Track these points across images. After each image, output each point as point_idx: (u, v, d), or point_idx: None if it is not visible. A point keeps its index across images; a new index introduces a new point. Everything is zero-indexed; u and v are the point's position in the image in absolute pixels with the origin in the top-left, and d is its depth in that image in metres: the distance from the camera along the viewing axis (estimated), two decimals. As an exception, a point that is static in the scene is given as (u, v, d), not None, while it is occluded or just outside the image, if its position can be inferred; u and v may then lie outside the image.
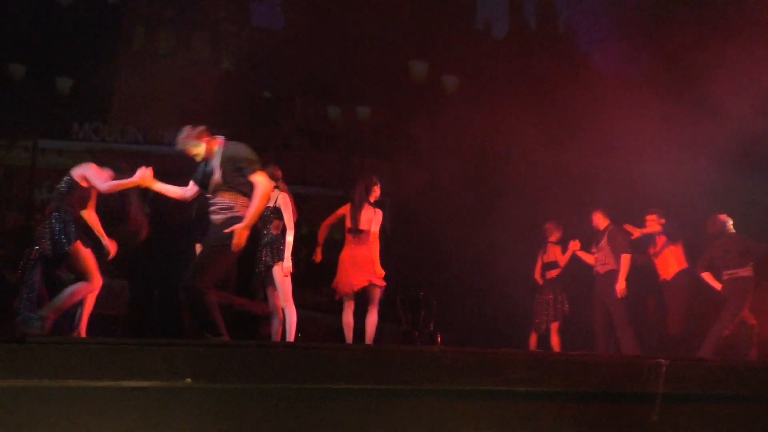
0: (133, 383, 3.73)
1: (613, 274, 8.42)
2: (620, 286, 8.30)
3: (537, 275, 9.26)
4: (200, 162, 5.56)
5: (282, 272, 6.64)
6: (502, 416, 4.24)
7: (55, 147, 14.01)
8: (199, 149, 5.47)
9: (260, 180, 5.31)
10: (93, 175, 5.95)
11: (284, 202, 6.79)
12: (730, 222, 8.30)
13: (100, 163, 6.04)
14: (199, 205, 6.36)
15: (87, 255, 5.84)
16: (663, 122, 10.45)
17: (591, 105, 11.03)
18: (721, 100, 9.38)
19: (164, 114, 13.82)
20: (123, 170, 6.03)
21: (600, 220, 8.78)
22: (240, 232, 5.20)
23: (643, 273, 8.85)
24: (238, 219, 5.26)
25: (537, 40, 16.76)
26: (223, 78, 14.91)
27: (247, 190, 5.35)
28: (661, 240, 8.69)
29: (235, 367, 4.02)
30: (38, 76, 13.35)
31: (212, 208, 5.38)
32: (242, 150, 5.40)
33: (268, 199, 6.07)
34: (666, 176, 9.86)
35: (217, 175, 5.35)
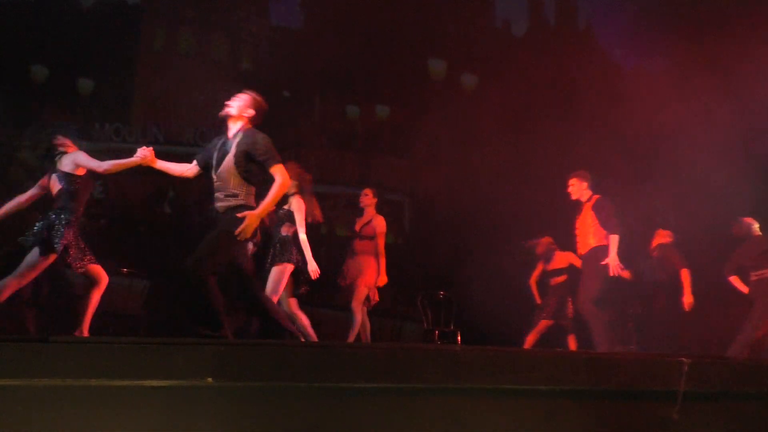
0: (155, 383, 3.76)
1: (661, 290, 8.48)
2: (688, 299, 8.32)
3: (534, 284, 9.32)
4: (213, 140, 5.44)
5: (279, 272, 6.69)
6: (523, 415, 4.23)
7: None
8: (238, 123, 5.30)
9: (280, 172, 5.15)
10: (86, 158, 5.90)
11: (298, 206, 6.81)
12: (756, 225, 8.30)
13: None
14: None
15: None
16: (685, 119, 10.39)
17: (611, 101, 10.98)
18: (748, 95, 9.32)
19: (184, 114, 13.91)
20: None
21: (660, 237, 8.77)
22: (250, 220, 5.05)
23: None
24: (243, 207, 5.11)
25: (556, 37, 16.68)
26: (243, 78, 14.95)
27: (256, 180, 5.22)
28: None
29: (256, 366, 4.03)
30: (59, 77, 13.47)
31: (216, 194, 5.22)
32: (263, 140, 5.24)
33: (282, 200, 6.12)
34: (688, 174, 9.81)
35: (230, 158, 5.18)
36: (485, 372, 4.25)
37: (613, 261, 7.21)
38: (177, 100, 13.87)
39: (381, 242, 8.07)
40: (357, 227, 8.25)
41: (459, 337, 8.80)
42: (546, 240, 9.35)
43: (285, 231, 6.84)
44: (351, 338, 7.85)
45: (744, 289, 8.26)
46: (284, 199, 6.78)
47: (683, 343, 8.60)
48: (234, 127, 5.30)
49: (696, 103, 9.94)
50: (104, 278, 5.95)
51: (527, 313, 9.40)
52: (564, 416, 4.27)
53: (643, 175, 10.82)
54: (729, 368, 4.71)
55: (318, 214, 7.23)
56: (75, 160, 5.91)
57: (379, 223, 8.14)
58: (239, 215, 5.05)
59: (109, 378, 3.74)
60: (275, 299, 6.66)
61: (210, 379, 3.83)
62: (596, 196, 7.58)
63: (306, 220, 6.92)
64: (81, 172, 5.91)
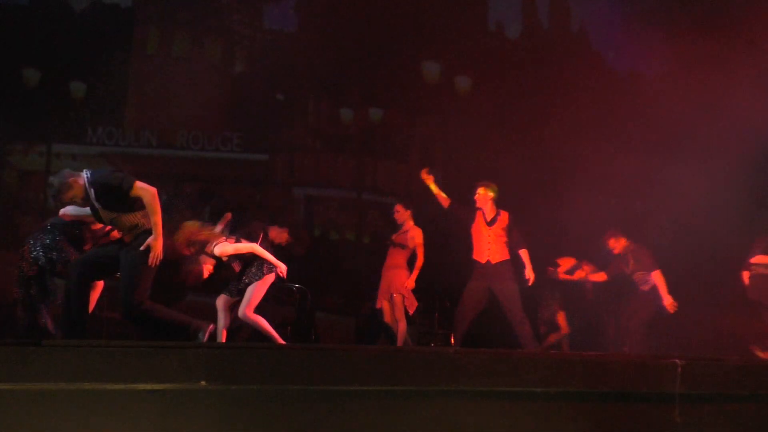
0: (148, 386, 3.75)
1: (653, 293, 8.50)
2: (667, 300, 8.35)
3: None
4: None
5: (257, 285, 6.80)
6: (518, 417, 4.23)
7: (69, 151, 14.11)
8: (74, 191, 5.40)
9: (141, 188, 5.31)
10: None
11: (223, 250, 6.85)
12: None
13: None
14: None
15: None
16: (678, 121, 10.41)
17: (605, 104, 11.01)
18: (739, 98, 9.35)
19: (178, 117, 13.89)
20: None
21: (614, 243, 8.75)
22: (154, 246, 5.32)
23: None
24: (148, 232, 5.36)
25: (550, 40, 16.71)
26: (236, 80, 14.95)
27: (139, 206, 5.37)
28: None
29: (250, 369, 4.03)
30: (52, 81, 13.44)
31: (120, 234, 5.53)
32: (108, 173, 5.43)
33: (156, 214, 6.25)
34: (681, 176, 9.83)
35: (104, 211, 5.40)
36: (480, 374, 4.25)
37: (530, 273, 7.68)
38: (170, 104, 13.85)
39: (420, 252, 8.30)
40: (393, 237, 8.45)
41: (453, 339, 8.80)
42: (569, 261, 9.27)
43: (237, 266, 7.01)
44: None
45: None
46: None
47: (679, 343, 8.64)
48: (78, 190, 5.40)
49: (689, 103, 9.97)
50: (99, 284, 5.98)
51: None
52: (559, 418, 4.27)
53: (637, 173, 10.85)
54: (723, 369, 4.71)
55: (283, 237, 7.50)
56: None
57: (417, 234, 8.38)
58: (141, 249, 5.33)
59: (102, 381, 3.73)
60: (253, 307, 6.80)
61: (203, 382, 3.83)
62: (504, 213, 7.73)
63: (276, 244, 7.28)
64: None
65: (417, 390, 4.16)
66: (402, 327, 8.29)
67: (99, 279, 5.78)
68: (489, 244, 7.71)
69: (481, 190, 7.84)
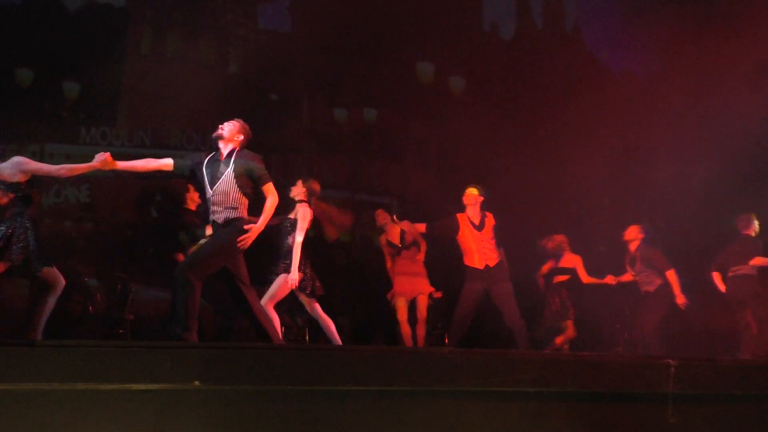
0: (141, 386, 3.75)
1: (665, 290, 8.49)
2: (681, 299, 8.38)
3: (540, 277, 9.36)
4: (195, 154, 5.88)
5: (285, 281, 6.71)
6: (512, 417, 4.24)
7: (63, 151, 14.06)
8: (229, 146, 5.70)
9: (271, 190, 5.66)
10: (36, 166, 5.87)
11: (303, 214, 6.84)
12: (754, 222, 8.47)
13: None
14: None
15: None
16: (672, 123, 10.44)
17: (599, 105, 11.03)
18: (732, 99, 9.38)
19: (171, 117, 13.85)
20: None
21: (633, 234, 8.73)
22: (253, 232, 5.52)
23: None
24: (241, 219, 5.56)
25: (544, 41, 16.73)
26: (230, 81, 14.91)
27: (251, 193, 5.65)
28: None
29: (244, 369, 4.03)
30: (45, 81, 13.40)
31: (214, 207, 5.60)
32: (259, 162, 5.72)
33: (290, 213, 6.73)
34: (675, 178, 9.86)
35: (230, 175, 5.59)
36: (474, 374, 4.26)
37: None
38: (164, 104, 13.81)
39: (422, 242, 8.38)
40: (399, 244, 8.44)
41: (447, 339, 8.80)
42: (560, 237, 9.33)
43: (292, 240, 6.85)
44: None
45: (722, 287, 8.42)
46: (292, 207, 6.96)
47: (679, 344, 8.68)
48: (225, 149, 5.71)
49: (682, 103, 10.00)
50: (60, 282, 5.90)
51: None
52: (552, 418, 4.28)
53: (631, 174, 10.88)
54: (717, 370, 4.73)
55: (343, 221, 7.47)
56: (19, 166, 5.77)
57: (408, 227, 8.41)
58: (244, 227, 5.53)
59: (96, 382, 3.73)
60: (274, 302, 6.76)
61: (197, 383, 3.82)
62: (489, 215, 7.73)
63: (334, 232, 7.24)
64: (22, 178, 5.81)
65: (412, 390, 4.16)
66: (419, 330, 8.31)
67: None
68: (483, 248, 7.71)
69: (472, 191, 7.82)
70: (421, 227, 8.08)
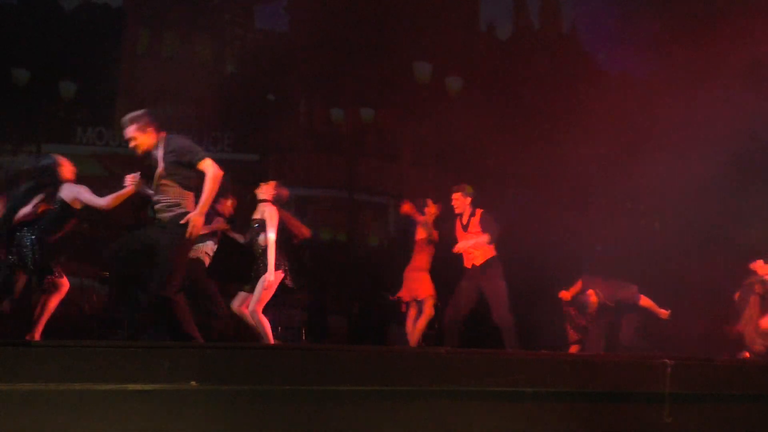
0: (138, 386, 3.74)
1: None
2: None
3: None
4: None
5: (265, 283, 6.66)
6: (509, 417, 4.24)
7: (59, 152, 14.05)
8: (143, 138, 5.34)
9: (209, 166, 5.23)
10: (89, 198, 5.92)
11: (270, 213, 6.75)
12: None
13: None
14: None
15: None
16: (668, 122, 10.45)
17: (596, 105, 11.04)
18: (728, 97, 9.40)
19: (169, 117, 13.83)
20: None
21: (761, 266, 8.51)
22: (194, 221, 5.14)
23: None
24: (184, 215, 5.18)
25: (541, 41, 16.75)
26: (227, 81, 14.92)
27: (194, 184, 5.29)
28: None
29: (241, 370, 4.02)
30: (42, 81, 13.39)
31: (158, 206, 5.28)
32: (185, 141, 5.37)
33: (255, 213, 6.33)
34: (671, 175, 9.87)
35: (161, 167, 5.26)
36: (470, 374, 4.25)
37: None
38: (161, 104, 13.80)
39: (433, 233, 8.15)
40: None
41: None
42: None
43: (264, 243, 6.82)
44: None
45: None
46: (256, 209, 6.88)
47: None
48: (150, 143, 5.35)
49: (681, 105, 10.01)
50: (65, 285, 5.92)
51: (515, 316, 9.43)
52: (548, 418, 4.28)
53: (628, 174, 10.89)
54: (714, 369, 4.73)
55: (304, 230, 7.28)
56: (77, 195, 5.89)
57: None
58: (182, 222, 5.14)
59: (93, 382, 3.72)
60: (261, 306, 6.69)
61: (194, 383, 3.81)
62: (479, 210, 7.67)
63: (293, 238, 7.07)
64: (77, 205, 5.93)
65: (409, 390, 4.16)
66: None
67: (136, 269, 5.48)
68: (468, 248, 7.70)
69: (456, 195, 7.79)
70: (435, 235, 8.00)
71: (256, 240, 6.77)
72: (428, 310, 7.88)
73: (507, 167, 11.73)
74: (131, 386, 3.75)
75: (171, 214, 5.20)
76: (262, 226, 6.73)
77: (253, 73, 15.00)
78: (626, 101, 10.93)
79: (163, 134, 5.40)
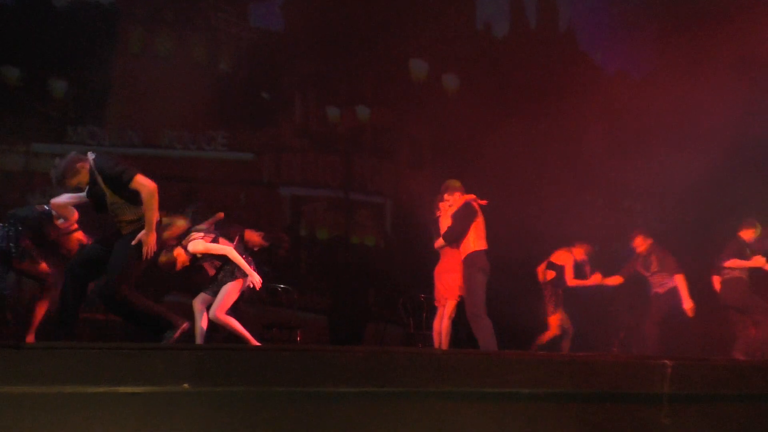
0: (129, 389, 3.71)
1: (673, 292, 8.61)
2: (688, 304, 8.46)
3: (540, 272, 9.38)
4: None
5: (232, 288, 6.78)
6: (505, 418, 4.22)
7: (50, 151, 14.01)
8: (80, 176, 5.44)
9: (141, 182, 5.33)
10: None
11: (194, 247, 6.87)
12: (753, 227, 8.60)
13: None
14: None
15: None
16: (665, 120, 10.45)
17: (592, 104, 11.03)
18: (725, 96, 9.41)
19: (161, 116, 13.80)
20: None
21: (640, 242, 8.92)
22: (147, 240, 5.30)
23: None
24: (134, 233, 5.37)
25: (537, 39, 16.74)
26: (221, 79, 14.87)
27: (137, 201, 5.40)
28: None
29: (235, 371, 3.99)
30: (33, 79, 13.34)
31: (119, 225, 5.45)
32: (111, 161, 5.44)
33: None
34: (668, 173, 9.88)
35: (109, 194, 5.37)
36: (467, 375, 4.23)
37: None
38: (154, 103, 13.75)
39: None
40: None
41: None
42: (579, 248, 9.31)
43: (212, 270, 7.02)
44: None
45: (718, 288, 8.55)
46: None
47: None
48: (85, 174, 5.45)
49: (678, 102, 10.02)
50: (58, 283, 5.97)
51: (512, 316, 9.44)
52: (546, 420, 4.26)
53: (625, 173, 10.89)
54: (713, 370, 4.72)
55: (257, 240, 7.43)
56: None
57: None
58: (134, 242, 5.34)
59: (83, 384, 3.69)
60: (225, 309, 6.82)
61: (186, 385, 3.79)
62: (468, 197, 7.65)
63: (251, 247, 7.23)
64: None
65: (404, 391, 4.13)
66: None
67: (94, 278, 5.67)
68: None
69: (446, 197, 7.80)
70: None
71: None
72: (448, 311, 7.84)
73: (504, 166, 11.72)
74: (122, 389, 3.72)
75: (132, 228, 5.38)
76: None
77: (247, 71, 14.97)
78: (623, 100, 10.94)
79: (87, 161, 5.43)
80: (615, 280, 9.12)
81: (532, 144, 11.75)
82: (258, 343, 7.00)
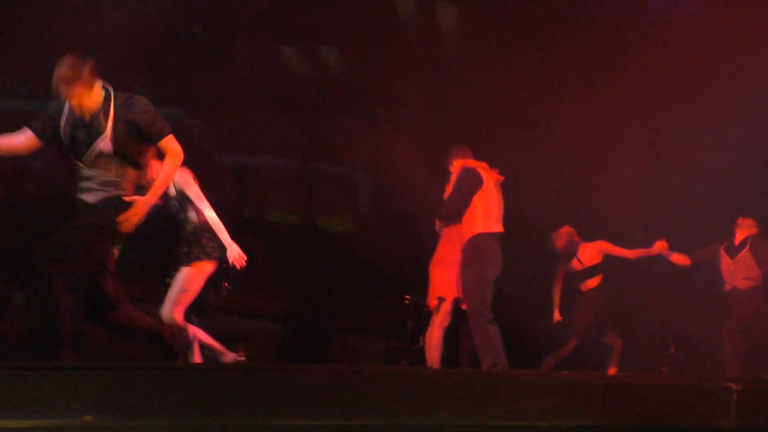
0: (11, 423, 3.68)
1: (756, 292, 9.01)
2: None
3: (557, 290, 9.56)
4: (50, 104, 5.58)
5: (192, 274, 6.74)
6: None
7: None
8: (86, 95, 5.45)
9: (174, 147, 5.51)
10: None
11: (184, 180, 6.86)
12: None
13: None
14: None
15: None
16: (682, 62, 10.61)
17: (618, 56, 11.12)
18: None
19: (56, 59, 13.66)
20: None
21: (742, 223, 9.22)
22: (138, 208, 5.36)
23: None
24: (120, 200, 5.37)
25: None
26: (140, 10, 14.77)
27: (143, 161, 5.52)
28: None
29: (155, 399, 3.99)
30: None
31: (86, 183, 5.42)
32: (148, 106, 5.51)
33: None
34: (688, 130, 10.08)
35: (107, 140, 5.36)
36: (465, 402, 4.24)
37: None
38: (47, 42, 13.66)
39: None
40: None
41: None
42: (565, 230, 9.53)
43: (195, 217, 6.89)
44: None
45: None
46: None
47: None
48: (90, 100, 5.44)
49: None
50: None
51: (520, 319, 9.52)
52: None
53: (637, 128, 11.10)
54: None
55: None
56: None
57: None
58: (124, 202, 5.37)
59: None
60: (183, 308, 6.79)
61: (89, 417, 3.76)
62: (470, 162, 7.75)
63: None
64: None
65: (383, 425, 4.14)
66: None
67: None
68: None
69: (450, 168, 7.93)
70: None
71: (181, 219, 6.86)
72: (441, 317, 7.88)
73: (511, 128, 11.76)
74: (3, 422, 3.69)
75: (103, 195, 5.37)
76: (184, 199, 6.82)
77: (175, -1, 14.85)
78: (640, 46, 11.06)
79: (110, 90, 5.52)
80: (682, 260, 9.43)
81: (547, 100, 11.78)
82: (232, 356, 7.04)
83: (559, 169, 11.47)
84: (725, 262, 9.37)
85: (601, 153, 11.27)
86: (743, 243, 9.35)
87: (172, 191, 6.96)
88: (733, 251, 9.38)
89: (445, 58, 13.32)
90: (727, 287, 9.30)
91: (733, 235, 9.49)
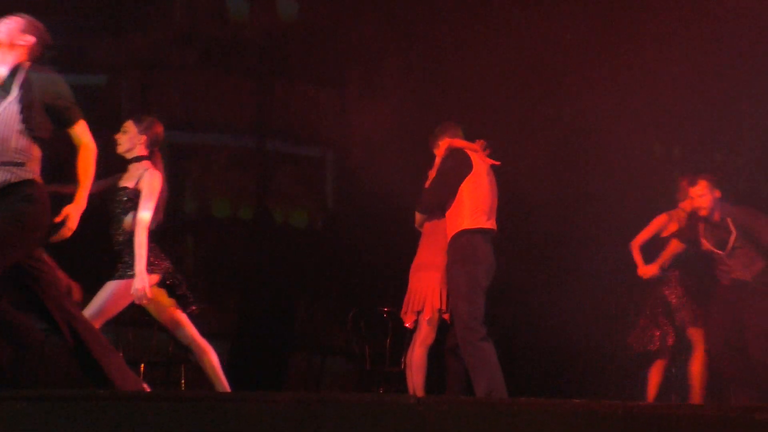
0: None
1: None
2: None
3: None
4: None
5: (121, 287, 6.82)
6: None
7: None
8: (10, 56, 5.76)
9: (86, 134, 5.83)
10: None
11: (151, 181, 6.92)
12: None
13: None
14: None
15: None
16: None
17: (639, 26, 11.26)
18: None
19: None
20: None
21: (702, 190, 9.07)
22: (74, 215, 5.66)
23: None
24: (32, 184, 5.59)
25: None
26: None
27: (46, 137, 5.75)
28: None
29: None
30: None
31: None
32: (63, 84, 5.80)
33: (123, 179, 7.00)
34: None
35: (12, 109, 5.59)
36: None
37: None
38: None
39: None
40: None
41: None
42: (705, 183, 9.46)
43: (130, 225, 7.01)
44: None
45: None
46: (124, 169, 7.11)
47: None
48: (5, 62, 5.75)
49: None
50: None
51: (518, 338, 9.60)
52: None
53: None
54: None
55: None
56: None
57: None
58: (42, 192, 5.64)
59: None
60: (106, 317, 6.87)
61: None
62: (460, 143, 7.84)
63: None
64: None
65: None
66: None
67: None
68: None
69: (435, 150, 8.01)
70: None
71: (121, 220, 6.94)
72: (423, 334, 7.92)
73: (509, 101, 11.83)
74: None
75: (8, 175, 5.52)
76: (136, 197, 6.90)
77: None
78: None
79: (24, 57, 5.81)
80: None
81: (551, 75, 11.87)
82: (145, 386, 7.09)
83: (570, 153, 11.54)
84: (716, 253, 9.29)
85: (623, 130, 11.37)
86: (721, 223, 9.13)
87: (131, 184, 7.04)
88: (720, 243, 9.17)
89: (432, 17, 13.34)
90: (727, 281, 9.15)
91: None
